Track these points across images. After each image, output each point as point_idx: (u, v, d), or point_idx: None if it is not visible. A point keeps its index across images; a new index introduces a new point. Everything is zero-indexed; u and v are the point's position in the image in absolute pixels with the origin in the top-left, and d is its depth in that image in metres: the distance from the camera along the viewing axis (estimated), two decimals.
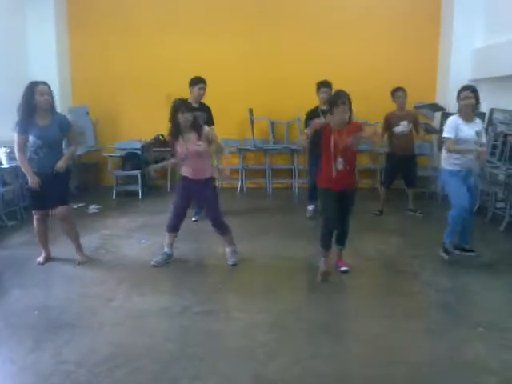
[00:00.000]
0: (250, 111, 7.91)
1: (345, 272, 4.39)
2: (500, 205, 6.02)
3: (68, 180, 4.69)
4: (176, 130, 4.37)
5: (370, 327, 3.43)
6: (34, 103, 4.24)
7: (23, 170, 4.41)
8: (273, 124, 8.08)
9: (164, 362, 2.95)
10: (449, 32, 7.70)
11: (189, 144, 4.36)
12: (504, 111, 6.37)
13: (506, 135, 6.04)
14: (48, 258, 4.71)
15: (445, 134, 4.50)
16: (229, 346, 3.18)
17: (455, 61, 7.58)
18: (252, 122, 7.94)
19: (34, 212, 4.57)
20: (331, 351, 3.10)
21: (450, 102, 6.99)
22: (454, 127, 4.45)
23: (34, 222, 4.59)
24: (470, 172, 4.62)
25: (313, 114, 5.83)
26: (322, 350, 3.11)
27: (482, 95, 7.28)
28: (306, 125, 6.04)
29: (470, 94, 4.45)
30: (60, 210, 4.49)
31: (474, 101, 4.45)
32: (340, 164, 4.00)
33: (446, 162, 4.61)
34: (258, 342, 3.20)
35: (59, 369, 2.88)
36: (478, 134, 4.47)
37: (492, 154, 6.35)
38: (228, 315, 3.61)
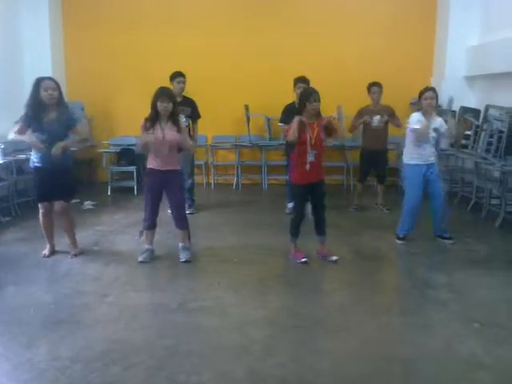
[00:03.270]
0: (246, 107, 7.90)
1: (335, 261, 4.46)
2: (495, 201, 6.05)
3: (70, 176, 4.68)
4: (155, 117, 4.33)
5: (366, 323, 3.44)
6: (40, 98, 4.27)
7: (25, 139, 4.34)
8: (269, 120, 8.07)
9: (160, 358, 2.95)
10: (444, 29, 7.71)
11: (166, 132, 4.33)
12: (499, 108, 6.37)
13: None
14: (53, 251, 4.76)
15: (414, 126, 4.84)
16: (225, 343, 3.18)
17: (450, 58, 7.60)
18: (248, 118, 7.92)
19: (39, 205, 4.60)
20: (327, 347, 3.11)
21: (445, 99, 7.03)
22: (418, 121, 4.87)
23: (40, 215, 4.62)
24: (431, 165, 4.91)
25: (289, 109, 5.87)
26: (318, 346, 3.12)
27: (477, 92, 7.41)
28: (282, 119, 6.07)
29: (432, 94, 4.86)
30: (59, 204, 4.54)
31: (435, 101, 4.88)
32: (312, 156, 4.28)
33: (408, 156, 5.00)
34: (254, 339, 3.20)
35: (54, 365, 2.86)
36: (435, 130, 4.89)
37: (487, 150, 6.37)
38: (223, 311, 3.61)
